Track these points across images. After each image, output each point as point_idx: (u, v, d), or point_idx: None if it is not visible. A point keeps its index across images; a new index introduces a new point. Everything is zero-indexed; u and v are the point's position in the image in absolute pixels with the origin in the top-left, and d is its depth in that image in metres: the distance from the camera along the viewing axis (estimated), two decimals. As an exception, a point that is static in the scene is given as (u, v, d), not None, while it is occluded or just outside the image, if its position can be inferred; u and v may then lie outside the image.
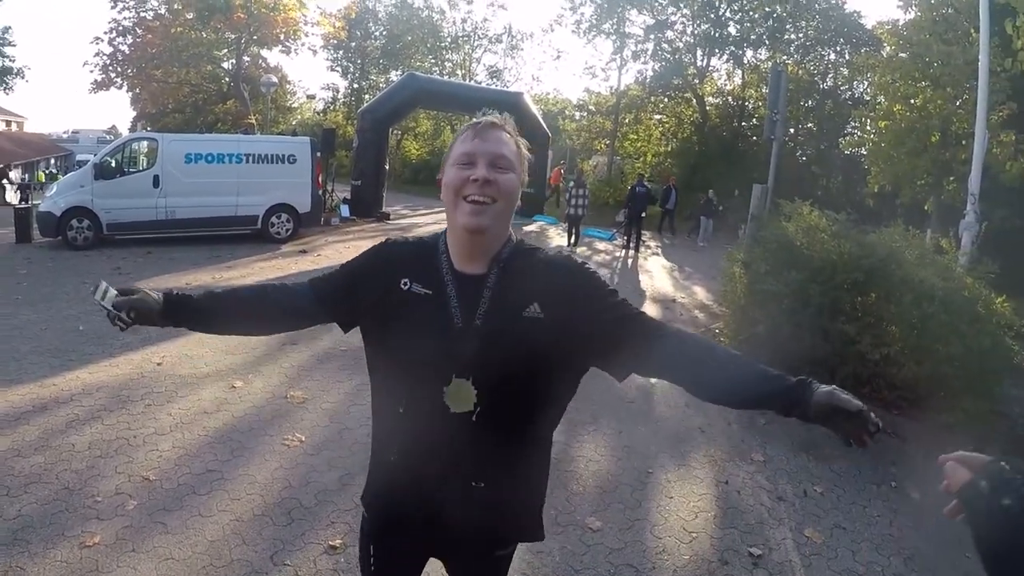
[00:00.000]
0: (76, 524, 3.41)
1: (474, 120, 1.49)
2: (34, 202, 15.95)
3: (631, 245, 16.20)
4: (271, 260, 11.51)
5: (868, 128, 23.45)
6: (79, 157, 33.60)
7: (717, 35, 27.82)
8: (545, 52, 61.42)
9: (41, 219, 12.10)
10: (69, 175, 16.54)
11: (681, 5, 28.32)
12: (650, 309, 9.67)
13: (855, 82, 26.59)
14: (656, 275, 13.18)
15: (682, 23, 29.00)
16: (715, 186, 20.20)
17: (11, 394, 5.08)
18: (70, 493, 3.70)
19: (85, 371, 5.62)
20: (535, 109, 21.46)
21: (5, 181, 21.40)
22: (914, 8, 17.45)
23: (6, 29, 21.88)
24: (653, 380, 4.52)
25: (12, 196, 21.08)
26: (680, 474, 4.49)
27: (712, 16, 27.54)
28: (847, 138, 26.25)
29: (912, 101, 17.07)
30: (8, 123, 42.15)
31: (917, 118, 16.53)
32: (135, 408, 4.93)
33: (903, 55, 17.34)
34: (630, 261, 14.91)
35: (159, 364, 5.84)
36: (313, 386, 5.61)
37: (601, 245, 16.75)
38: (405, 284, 1.45)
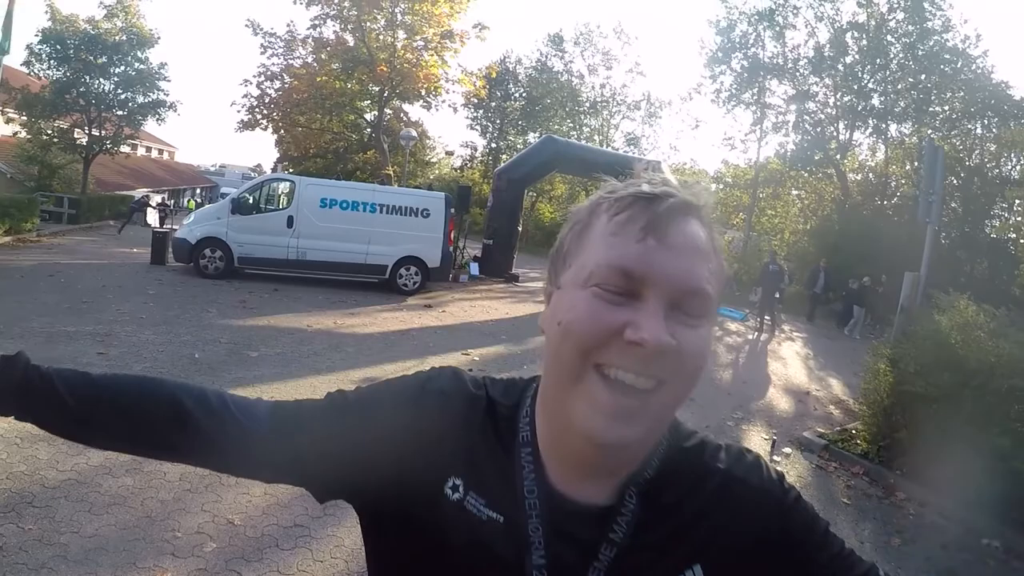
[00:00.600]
0: (150, 556, 3.34)
1: (645, 186, 0.74)
2: (172, 227, 17.18)
3: (764, 327, 15.22)
4: (395, 312, 11.62)
5: (1018, 209, 21.57)
6: (223, 189, 36.11)
7: (860, 107, 26.63)
8: (683, 121, 61.70)
9: (176, 245, 12.93)
10: (207, 206, 17.74)
11: (823, 75, 27.48)
12: (778, 399, 8.99)
13: (1003, 158, 24.56)
14: (790, 362, 12.25)
15: (824, 94, 28.07)
16: (857, 269, 18.61)
17: (116, 413, 5.19)
18: (151, 522, 3.67)
19: (192, 400, 5.67)
20: (673, 179, 20.93)
21: (148, 208, 23.40)
22: (1070, 77, 16.09)
23: (162, 65, 23.89)
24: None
25: (153, 219, 22.84)
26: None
27: (855, 87, 26.47)
28: (995, 220, 24.29)
29: (1069, 181, 15.60)
30: (160, 151, 46.99)
31: (1076, 200, 15.09)
32: (233, 445, 4.90)
33: (1058, 129, 15.93)
34: (761, 344, 13.95)
35: (266, 404, 5.81)
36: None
37: (733, 326, 15.82)
38: (455, 489, 0.76)
